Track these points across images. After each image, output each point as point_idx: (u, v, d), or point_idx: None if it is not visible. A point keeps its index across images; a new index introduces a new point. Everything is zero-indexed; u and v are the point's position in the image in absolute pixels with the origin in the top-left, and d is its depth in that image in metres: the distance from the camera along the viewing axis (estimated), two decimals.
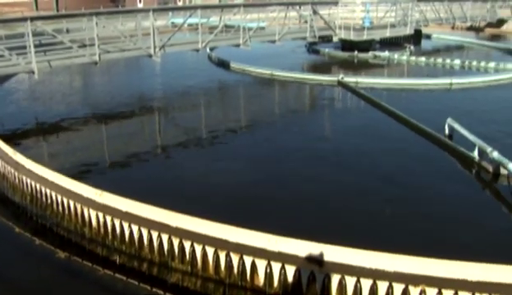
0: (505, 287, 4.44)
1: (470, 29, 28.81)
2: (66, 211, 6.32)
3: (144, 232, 5.49)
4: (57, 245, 5.86)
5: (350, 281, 4.68)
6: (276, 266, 4.87)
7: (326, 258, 4.72)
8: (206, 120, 11.86)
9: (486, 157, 7.87)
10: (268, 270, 4.89)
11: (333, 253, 4.72)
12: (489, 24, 29.24)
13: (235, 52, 17.83)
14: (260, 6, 20.66)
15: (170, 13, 22.43)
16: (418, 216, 6.52)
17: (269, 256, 4.87)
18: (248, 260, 4.97)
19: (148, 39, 13.75)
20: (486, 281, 4.47)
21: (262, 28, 19.32)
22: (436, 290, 4.56)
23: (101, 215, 5.86)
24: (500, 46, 23.70)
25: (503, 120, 11.13)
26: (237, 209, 6.53)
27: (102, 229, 5.89)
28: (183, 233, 5.23)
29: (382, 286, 4.63)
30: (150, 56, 13.81)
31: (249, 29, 16.62)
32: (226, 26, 17.13)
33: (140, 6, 42.04)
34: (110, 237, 5.79)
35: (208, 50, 18.97)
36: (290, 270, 4.83)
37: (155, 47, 13.74)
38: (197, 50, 15.39)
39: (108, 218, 5.78)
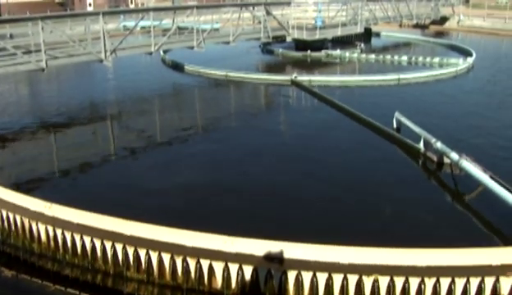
0: (452, 269, 4.72)
1: (416, 26, 30.12)
2: (13, 227, 6.01)
3: (97, 243, 5.35)
4: (2, 263, 5.59)
5: (307, 276, 4.79)
6: (233, 267, 4.90)
7: (283, 255, 4.80)
8: (161, 124, 11.68)
9: (430, 148, 8.29)
10: (226, 272, 4.91)
11: (289, 250, 4.80)
12: (433, 22, 30.70)
13: (189, 55, 17.68)
14: (214, 8, 20.68)
15: (121, 16, 21.93)
16: (366, 206, 6.78)
17: (226, 257, 4.89)
18: (205, 263, 4.97)
19: (98, 44, 13.38)
20: (434, 265, 4.71)
21: (216, 29, 19.31)
22: (388, 278, 4.76)
23: (51, 228, 5.62)
24: (444, 42, 25.01)
25: (447, 112, 11.78)
26: (193, 212, 6.50)
27: (52, 243, 5.65)
28: (138, 241, 5.14)
29: (337, 278, 4.77)
30: (101, 60, 13.44)
31: (203, 30, 16.56)
32: (180, 28, 16.99)
33: (90, 9, 40.73)
34: (61, 250, 5.58)
35: (161, 53, 18.71)
36: (248, 270, 4.88)
37: (106, 52, 13.39)
38: (150, 53, 15.14)
39: (59, 231, 5.57)
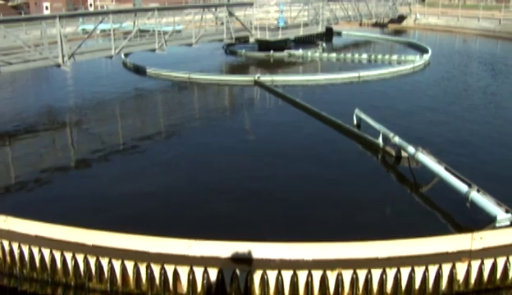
0: (412, 259, 4.89)
1: (375, 25, 31.00)
2: None
3: (57, 255, 5.18)
4: None
5: (272, 275, 4.83)
6: (198, 271, 4.88)
7: (248, 255, 4.83)
8: (123, 129, 11.39)
9: (389, 142, 8.57)
10: (191, 276, 4.89)
11: (254, 249, 4.83)
12: (392, 21, 31.68)
13: (151, 57, 17.43)
14: (175, 10, 20.45)
15: (80, 19, 21.33)
16: (328, 201, 6.93)
17: (191, 261, 4.87)
18: (169, 268, 4.93)
19: (55, 48, 12.95)
20: (395, 256, 4.88)
21: (179, 31, 19.11)
22: (351, 271, 4.88)
23: (6, 242, 5.40)
24: (402, 40, 25.90)
25: (405, 107, 12.21)
26: (157, 218, 6.42)
27: (8, 258, 5.43)
28: (100, 251, 5.03)
29: (302, 275, 4.84)
30: (58, 65, 13.00)
31: (165, 32, 16.36)
32: (141, 31, 16.74)
33: (47, 12, 39.35)
34: (18, 265, 5.37)
35: (122, 56, 18.33)
36: (213, 273, 4.87)
37: (64, 56, 12.98)
38: (110, 57, 14.81)
39: (15, 245, 5.35)
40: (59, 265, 5.20)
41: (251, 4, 21.27)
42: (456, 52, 22.90)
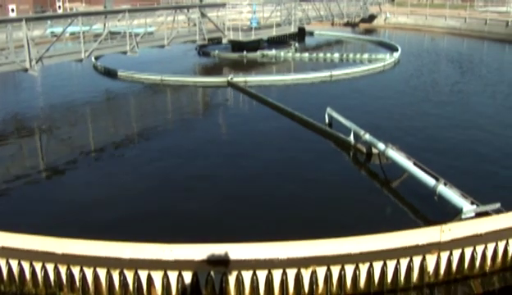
0: (384, 253, 5.00)
1: (347, 24, 31.46)
2: None
3: (26, 265, 5.04)
4: None
5: (247, 275, 4.85)
6: (172, 275, 4.84)
7: (222, 257, 4.82)
8: (94, 134, 11.12)
9: (360, 140, 8.73)
10: (165, 280, 4.84)
11: (228, 251, 4.84)
12: (362, 20, 32.24)
13: (122, 60, 17.16)
14: (147, 11, 20.17)
15: (48, 22, 20.76)
16: (301, 200, 7.00)
17: (165, 265, 4.83)
18: (143, 274, 4.86)
19: (22, 52, 12.59)
20: (367, 251, 4.98)
21: (151, 33, 18.87)
22: (325, 268, 4.94)
23: None
24: (372, 39, 26.42)
25: (375, 105, 12.46)
26: (128, 224, 6.33)
27: None
28: (71, 259, 4.92)
29: (277, 274, 4.88)
30: (26, 70, 12.65)
31: (136, 34, 16.15)
32: (112, 33, 16.46)
33: (13, 15, 38.16)
34: None
35: (92, 59, 17.98)
36: (188, 276, 4.84)
37: (31, 60, 12.65)
38: (80, 60, 14.51)
39: None
40: (28, 276, 5.06)
41: (224, 5, 21.25)
42: (425, 50, 23.50)
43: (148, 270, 4.85)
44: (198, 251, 4.81)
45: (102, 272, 4.90)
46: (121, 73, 16.73)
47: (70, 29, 15.56)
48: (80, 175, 8.35)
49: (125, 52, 15.91)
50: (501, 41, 25.14)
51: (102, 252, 4.86)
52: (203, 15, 18.96)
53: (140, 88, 15.73)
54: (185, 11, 20.07)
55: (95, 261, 4.88)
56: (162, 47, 17.47)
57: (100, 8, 38.33)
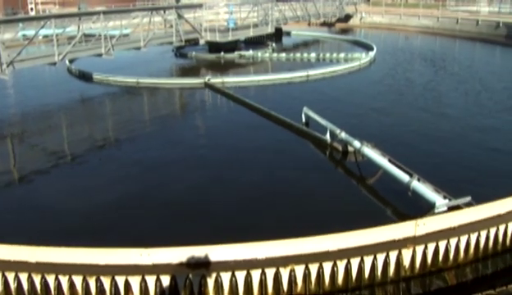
0: (361, 249, 5.07)
1: (323, 24, 31.79)
2: None
3: None
4: None
5: (225, 277, 4.84)
6: (150, 279, 4.79)
7: (200, 259, 4.80)
8: (69, 139, 10.85)
9: (336, 138, 8.83)
10: (143, 285, 4.79)
11: (207, 253, 4.81)
12: (339, 20, 32.64)
13: (97, 63, 16.89)
14: (122, 13, 19.94)
15: (20, 24, 20.25)
16: (279, 199, 7.04)
17: (143, 270, 4.77)
18: (120, 279, 4.79)
19: None
20: (345, 248, 5.03)
21: (126, 35, 18.66)
22: (303, 266, 4.98)
23: None
24: (348, 38, 26.75)
25: (351, 103, 12.62)
26: (104, 230, 6.24)
27: None
28: (45, 268, 4.80)
29: (256, 274, 4.88)
30: None
31: (112, 36, 15.95)
32: (86, 35, 16.19)
33: None
34: None
35: (66, 62, 17.61)
36: (166, 280, 4.80)
37: (2, 64, 12.34)
38: (54, 63, 14.23)
39: None
40: (0, 287, 4.91)
41: (200, 6, 21.19)
42: (399, 48, 23.94)
43: (125, 275, 4.78)
44: (176, 255, 4.78)
45: (78, 279, 4.81)
46: (96, 76, 16.44)
47: (43, 31, 15.27)
48: (52, 182, 8.17)
49: (100, 55, 15.69)
50: (472, 39, 25.87)
51: (78, 259, 4.76)
52: (179, 16, 18.86)
53: (116, 92, 15.48)
54: (162, 12, 19.93)
55: (71, 269, 4.78)
56: (139, 49, 17.31)
57: (74, 10, 37.62)
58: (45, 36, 18.42)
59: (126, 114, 12.88)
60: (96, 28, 16.42)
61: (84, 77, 16.92)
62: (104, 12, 16.51)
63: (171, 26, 19.02)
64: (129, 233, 6.17)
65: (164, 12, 19.85)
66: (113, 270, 4.78)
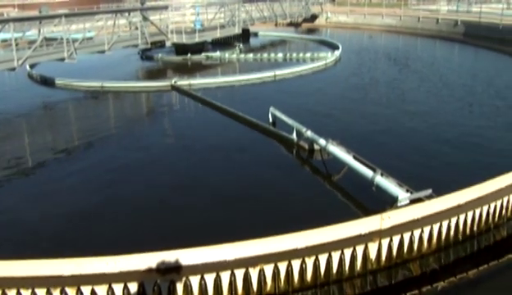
0: (329, 245, 5.13)
1: (290, 24, 32.05)
2: None
3: None
4: None
5: (195, 280, 4.80)
6: (117, 287, 4.70)
7: (169, 264, 4.75)
8: (31, 148, 10.45)
9: (302, 137, 8.93)
10: (110, 294, 4.70)
11: (175, 257, 4.77)
12: (305, 20, 33.00)
13: (60, 67, 16.39)
14: (85, 15, 19.45)
15: None
16: (247, 199, 7.08)
17: (110, 279, 4.67)
18: (86, 289, 4.67)
19: None
20: (313, 245, 5.06)
21: (90, 38, 18.21)
22: (272, 266, 5.00)
23: None
24: (315, 38, 27.12)
25: (317, 102, 12.77)
26: (66, 241, 6.08)
27: None
28: (5, 282, 4.62)
29: (225, 276, 4.87)
30: None
31: (74, 40, 15.54)
32: (47, 39, 15.71)
33: None
34: None
35: (27, 67, 16.99)
36: (133, 287, 4.72)
37: None
38: (13, 69, 13.71)
39: None
40: None
41: (166, 8, 20.96)
42: (364, 47, 24.43)
43: (91, 284, 4.66)
44: (144, 261, 4.71)
45: (41, 292, 4.65)
46: (58, 81, 15.93)
47: (1, 35, 14.70)
48: (13, 192, 7.87)
49: (62, 59, 15.24)
50: (432, 37, 26.73)
51: (41, 271, 4.60)
52: (144, 18, 18.60)
53: (80, 97, 15.07)
54: (126, 14, 19.57)
55: (33, 282, 4.61)
56: (103, 52, 16.93)
57: (35, 13, 36.37)
58: (3, 40, 17.71)
59: (91, 119, 12.51)
60: (58, 31, 15.93)
61: (46, 82, 16.35)
62: (66, 15, 16.06)
63: (137, 28, 18.72)
64: (93, 241, 6.03)
65: (129, 14, 19.50)
66: (79, 281, 4.65)
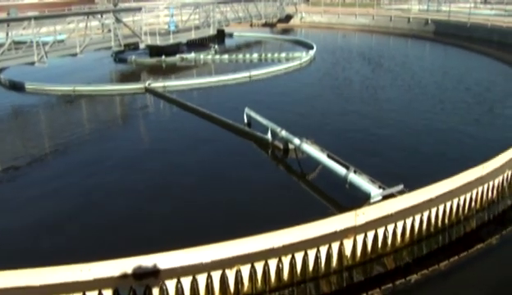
0: (304, 243, 5.18)
1: (265, 25, 32.13)
2: None
3: None
4: None
5: (171, 284, 4.75)
6: None
7: (144, 269, 4.68)
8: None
9: (277, 137, 8.97)
10: None
11: (151, 262, 4.71)
12: (280, 20, 33.16)
13: (30, 72, 15.94)
14: (56, 18, 18.99)
15: None
16: (223, 200, 7.05)
17: (83, 286, 4.57)
18: None
19: None
20: (289, 243, 5.11)
21: (61, 41, 17.79)
22: (249, 266, 5.00)
23: None
24: (290, 38, 27.27)
25: (292, 102, 12.86)
26: (36, 250, 5.94)
27: None
28: None
29: (202, 278, 4.84)
30: None
31: (45, 43, 15.18)
32: (16, 43, 15.27)
33: None
34: None
35: None
36: (108, 294, 4.64)
37: None
38: None
39: None
40: None
41: (139, 9, 20.69)
42: (338, 47, 24.73)
43: (64, 293, 4.55)
44: (119, 267, 4.63)
45: None
46: (28, 85, 15.47)
47: None
48: None
49: (32, 63, 14.86)
50: (404, 35, 27.30)
51: (9, 283, 4.45)
52: (117, 20, 18.32)
53: (52, 101, 14.64)
54: (99, 16, 19.23)
55: (2, 294, 4.47)
56: (75, 55, 16.60)
57: (3, 16, 35.29)
58: None
59: (63, 124, 12.19)
60: (27, 34, 15.50)
61: (16, 87, 15.84)
62: (36, 18, 15.65)
63: (110, 31, 18.41)
64: (65, 249, 5.90)
65: (101, 16, 19.15)
66: (51, 290, 4.52)
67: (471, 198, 6.47)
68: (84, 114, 13.72)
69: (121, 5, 26.28)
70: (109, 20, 18.32)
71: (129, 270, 4.66)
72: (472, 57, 20.25)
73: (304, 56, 18.98)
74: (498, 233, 6.24)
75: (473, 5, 31.58)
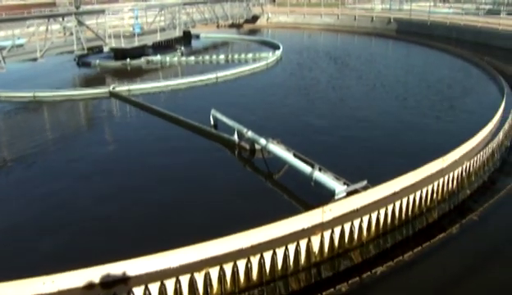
0: (272, 242, 5.25)
1: (232, 26, 32.11)
2: None
3: None
4: None
5: (138, 291, 4.66)
6: None
7: (110, 278, 4.60)
8: None
9: (244, 138, 8.97)
10: None
11: (116, 270, 4.63)
12: (246, 21, 33.25)
13: None
14: (14, 21, 18.31)
15: None
16: (190, 202, 7.03)
17: None
18: None
19: None
20: (257, 243, 5.17)
21: (20, 45, 17.16)
22: (217, 268, 4.97)
23: None
24: (256, 38, 27.40)
25: (259, 102, 12.91)
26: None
27: None
28: None
29: (170, 283, 4.78)
30: None
31: (2, 48, 14.65)
32: None
33: None
34: None
35: None
36: None
37: None
38: None
39: None
40: None
41: (103, 11, 20.23)
42: (305, 46, 24.98)
43: None
44: (83, 277, 4.54)
45: None
46: None
47: None
48: None
49: None
50: (368, 34, 27.95)
51: None
52: (80, 23, 17.85)
53: (10, 108, 14.01)
54: (60, 19, 18.66)
55: None
56: (35, 60, 16.06)
57: None
58: None
59: (23, 132, 11.71)
60: None
61: None
62: None
63: (72, 34, 17.91)
64: (26, 260, 5.70)
65: (63, 19, 18.60)
66: None
67: (433, 190, 6.68)
68: (46, 120, 13.22)
69: (84, 7, 25.58)
70: (71, 22, 17.83)
71: (95, 280, 4.58)
72: (433, 54, 20.91)
73: (271, 57, 19.08)
74: (458, 222, 6.48)
75: (432, 3, 32.68)
